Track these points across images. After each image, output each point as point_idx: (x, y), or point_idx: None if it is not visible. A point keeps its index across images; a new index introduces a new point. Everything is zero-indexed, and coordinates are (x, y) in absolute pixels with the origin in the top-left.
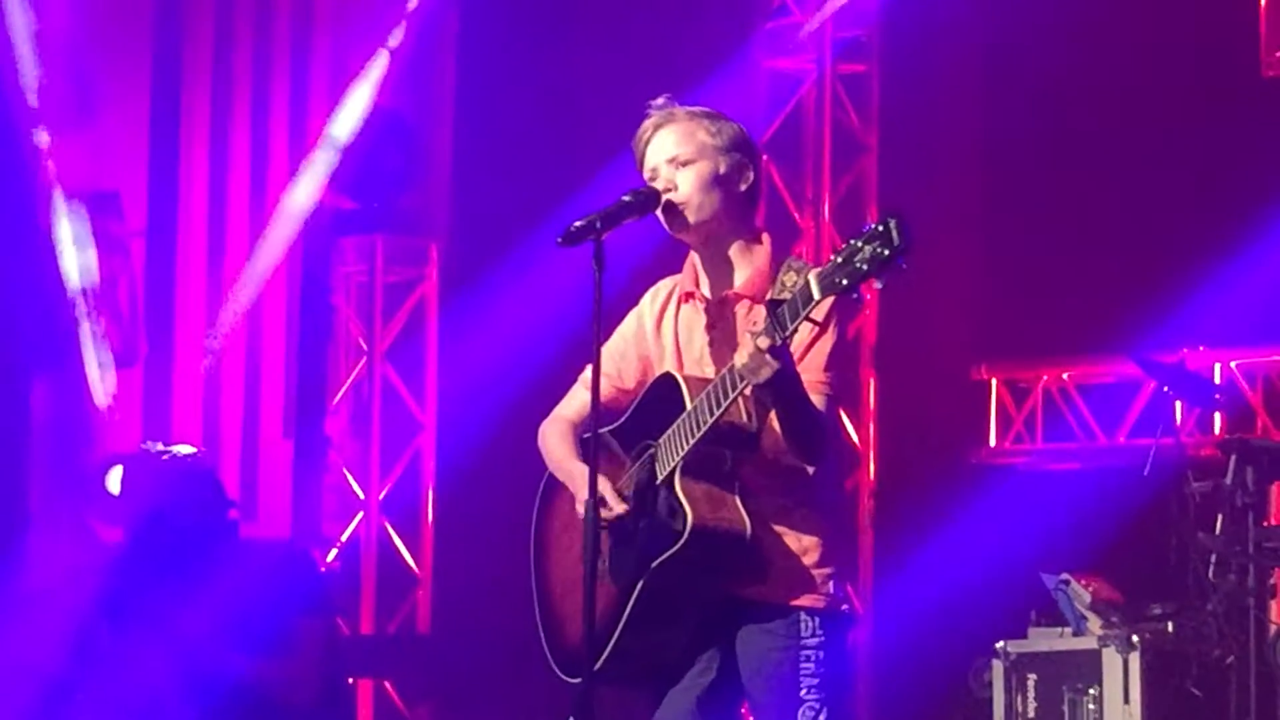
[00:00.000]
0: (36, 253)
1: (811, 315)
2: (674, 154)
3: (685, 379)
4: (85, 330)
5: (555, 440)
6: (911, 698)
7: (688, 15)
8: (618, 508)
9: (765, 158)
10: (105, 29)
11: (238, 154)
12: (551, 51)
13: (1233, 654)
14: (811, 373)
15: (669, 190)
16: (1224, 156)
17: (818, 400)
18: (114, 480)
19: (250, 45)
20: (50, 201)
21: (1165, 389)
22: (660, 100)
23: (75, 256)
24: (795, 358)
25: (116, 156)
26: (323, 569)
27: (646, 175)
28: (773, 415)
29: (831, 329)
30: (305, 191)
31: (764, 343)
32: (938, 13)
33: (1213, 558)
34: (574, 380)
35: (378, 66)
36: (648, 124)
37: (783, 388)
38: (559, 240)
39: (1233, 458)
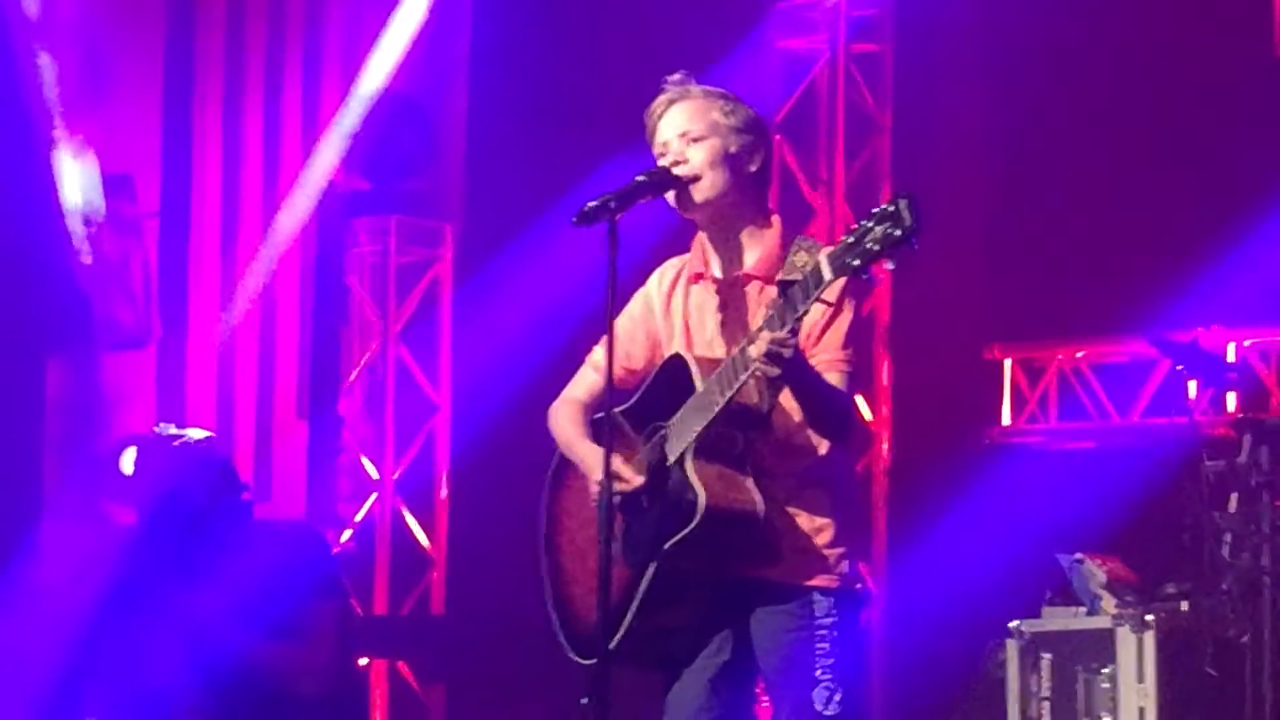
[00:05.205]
0: (50, 234)
1: (823, 296)
2: (686, 129)
3: (695, 360)
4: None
5: (565, 422)
6: (926, 677)
7: None
8: (635, 480)
9: (778, 138)
10: (117, 9)
11: (251, 135)
12: (564, 32)
13: (1247, 633)
14: (830, 351)
15: (678, 164)
16: (1237, 135)
17: (838, 379)
18: (127, 462)
19: (264, 25)
20: (64, 183)
21: (1179, 368)
22: (677, 76)
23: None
24: (812, 338)
25: (129, 138)
26: (337, 550)
27: (656, 150)
28: (784, 395)
29: (848, 307)
30: (319, 172)
31: (775, 335)
32: None
33: (1227, 537)
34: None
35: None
36: (662, 99)
37: (796, 375)
38: (573, 220)
39: (1247, 437)
